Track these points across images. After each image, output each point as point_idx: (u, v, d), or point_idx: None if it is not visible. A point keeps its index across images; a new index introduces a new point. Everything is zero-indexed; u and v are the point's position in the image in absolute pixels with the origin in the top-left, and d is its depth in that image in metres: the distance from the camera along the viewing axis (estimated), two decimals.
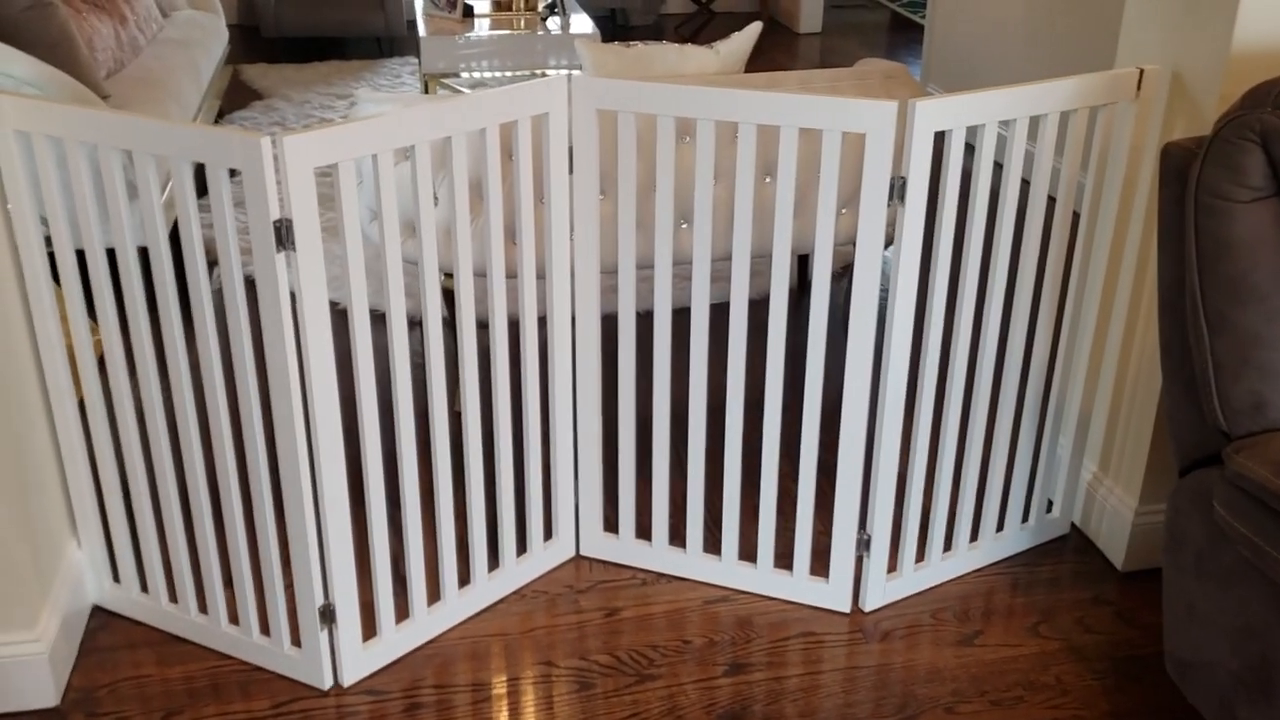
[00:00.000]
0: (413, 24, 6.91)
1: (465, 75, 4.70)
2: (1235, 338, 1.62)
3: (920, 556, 2.29)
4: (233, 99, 5.34)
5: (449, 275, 2.87)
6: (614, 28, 7.00)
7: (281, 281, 1.67)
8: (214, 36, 4.77)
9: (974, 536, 2.36)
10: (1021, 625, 2.17)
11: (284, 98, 5.33)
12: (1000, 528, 2.37)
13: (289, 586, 2.20)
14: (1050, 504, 2.42)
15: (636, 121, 2.57)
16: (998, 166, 4.51)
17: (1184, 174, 1.74)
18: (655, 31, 6.95)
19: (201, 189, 4.08)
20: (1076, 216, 3.89)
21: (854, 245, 1.99)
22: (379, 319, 3.19)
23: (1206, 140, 1.69)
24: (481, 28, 4.73)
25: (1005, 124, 3.74)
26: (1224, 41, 1.93)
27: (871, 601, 2.19)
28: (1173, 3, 2.06)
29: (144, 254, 3.45)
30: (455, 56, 4.64)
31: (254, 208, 1.62)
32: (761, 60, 6.34)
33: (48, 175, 1.80)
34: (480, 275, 2.90)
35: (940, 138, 2.33)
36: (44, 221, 2.58)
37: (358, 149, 1.68)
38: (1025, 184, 4.27)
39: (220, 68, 4.87)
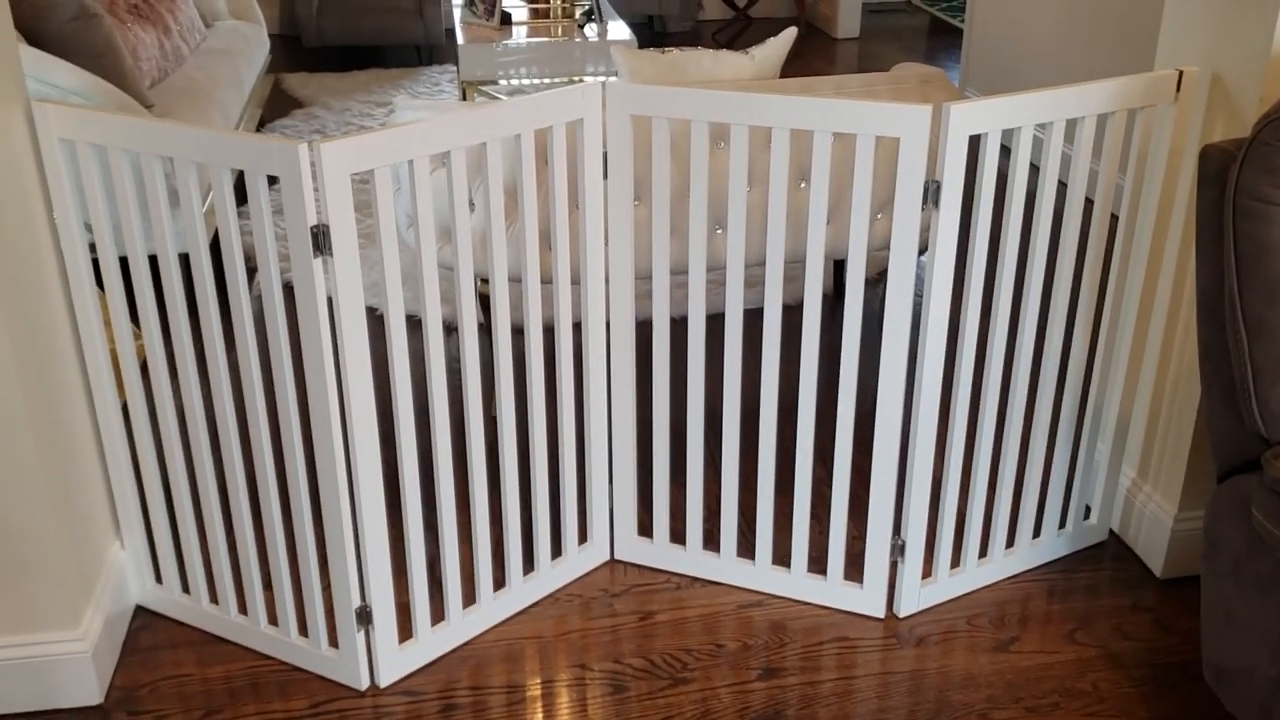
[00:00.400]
0: (451, 32, 6.97)
1: (503, 82, 4.73)
2: (1274, 342, 1.60)
3: (956, 562, 2.28)
4: (274, 107, 5.41)
5: (485, 281, 2.89)
6: (651, 34, 7.01)
7: (319, 286, 1.69)
8: (256, 46, 4.83)
9: (1010, 542, 2.35)
10: (1058, 632, 2.15)
11: (324, 106, 5.39)
12: (1037, 534, 2.35)
13: (327, 588, 2.22)
14: (1088, 510, 2.40)
15: (671, 127, 2.58)
16: (1035, 169, 4.48)
17: (1222, 176, 1.72)
18: (692, 38, 6.96)
19: (242, 198, 4.14)
20: (1115, 219, 3.86)
21: (890, 250, 1.98)
22: (417, 324, 3.22)
23: (1245, 142, 1.67)
24: (519, 35, 4.76)
25: (1042, 127, 3.75)
26: (1264, 43, 1.91)
27: (906, 607, 2.18)
28: (1212, 5, 2.04)
29: (186, 260, 3.51)
30: (493, 64, 4.68)
31: (292, 213, 1.65)
32: (799, 65, 6.34)
33: (92, 183, 1.83)
34: (516, 281, 2.92)
35: (976, 141, 2.33)
36: (88, 228, 2.63)
37: (394, 155, 1.70)
38: (1063, 187, 4.24)
39: (262, 77, 4.93)
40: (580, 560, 2.29)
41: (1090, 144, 1.99)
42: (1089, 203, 3.99)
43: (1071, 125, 3.96)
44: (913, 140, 1.82)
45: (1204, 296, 1.77)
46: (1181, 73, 2.01)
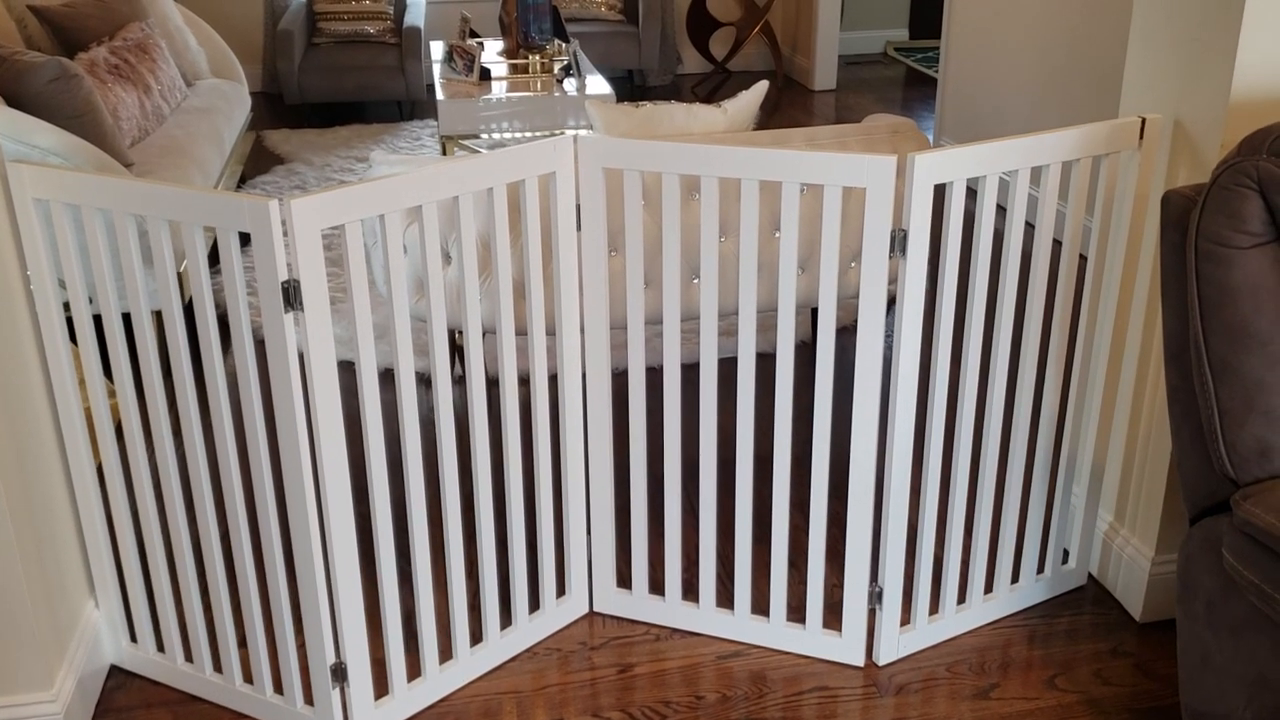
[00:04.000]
0: (432, 88, 7.03)
1: (485, 136, 4.77)
2: (1239, 384, 1.62)
3: (934, 609, 2.28)
4: (255, 164, 5.44)
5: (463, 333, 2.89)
6: (631, 88, 7.09)
7: (290, 342, 1.69)
8: (237, 104, 4.87)
9: (989, 588, 2.35)
10: (1039, 678, 2.14)
11: (305, 162, 5.43)
12: (1015, 579, 2.35)
13: (301, 645, 2.20)
14: (1066, 555, 2.40)
15: (644, 179, 2.60)
16: (1002, 211, 4.52)
17: (1184, 221, 1.75)
18: (672, 91, 7.03)
19: (216, 257, 4.15)
20: (1084, 260, 3.89)
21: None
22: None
23: (1205, 187, 1.70)
24: (499, 90, 4.81)
25: (1009, 174, 3.78)
26: (1223, 90, 1.95)
27: (885, 655, 2.17)
28: (1173, 54, 2.08)
29: (161, 318, 3.51)
30: (473, 119, 4.72)
31: (263, 269, 1.65)
32: (779, 118, 6.40)
33: (66, 243, 1.84)
34: (493, 332, 2.93)
35: (942, 191, 2.35)
36: (62, 285, 2.63)
37: (365, 210, 1.71)
38: (1030, 230, 4.28)
39: (243, 134, 4.96)
40: (558, 613, 2.28)
41: (1056, 191, 2.02)
42: (1057, 245, 4.02)
43: (1038, 173, 4.01)
44: (878, 190, 1.84)
45: (1170, 340, 1.79)
46: (1144, 120, 2.04)
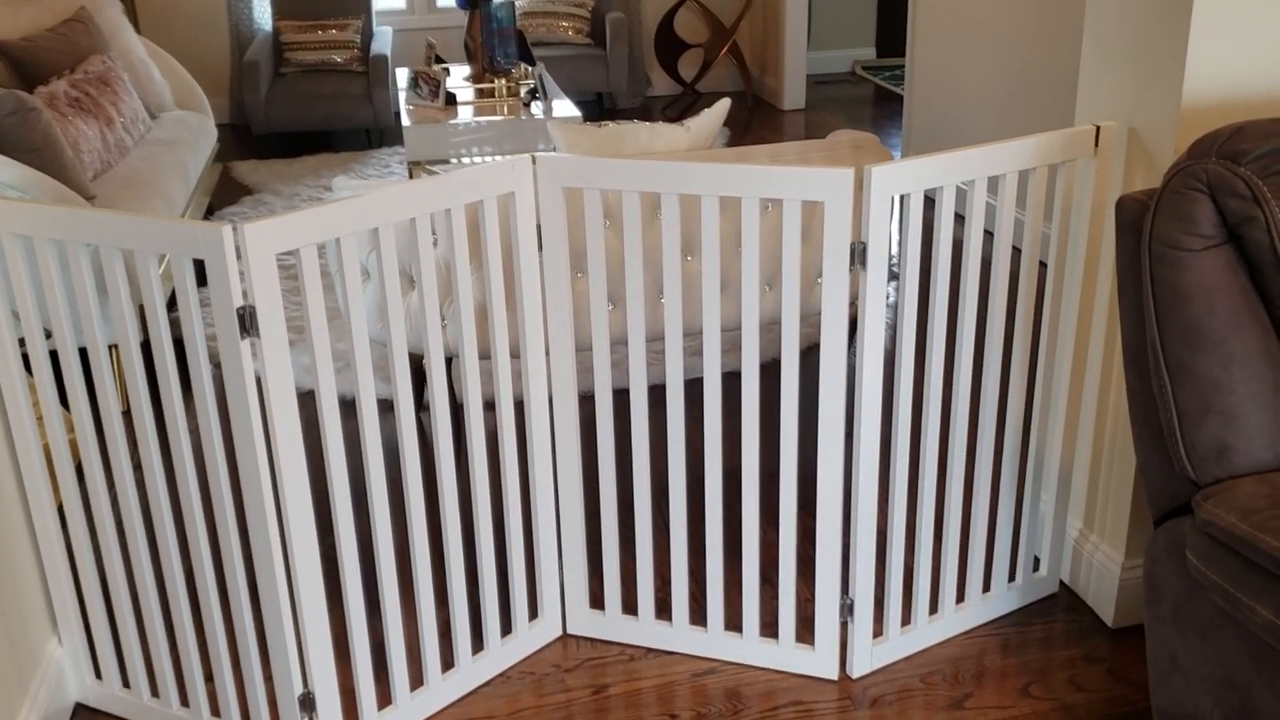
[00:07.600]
0: (400, 115, 7.02)
1: (453, 161, 4.77)
2: (1196, 385, 1.62)
3: (906, 620, 2.27)
4: (223, 195, 5.42)
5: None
6: (601, 111, 7.10)
7: (247, 368, 1.68)
8: (202, 136, 4.85)
9: (960, 598, 2.34)
10: (1013, 686, 2.14)
11: (274, 192, 5.41)
12: (987, 588, 2.35)
13: (268, 677, 2.18)
14: (1037, 562, 2.40)
15: (605, 198, 2.60)
16: (960, 220, 4.55)
17: (1138, 226, 1.76)
18: (642, 113, 7.05)
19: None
20: (1044, 267, 3.91)
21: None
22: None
23: (1157, 192, 1.71)
24: (465, 115, 4.81)
25: (967, 184, 3.76)
26: (1174, 97, 1.97)
27: (859, 667, 2.16)
28: (1125, 62, 2.10)
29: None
30: (440, 144, 4.72)
31: (217, 296, 1.64)
32: (749, 138, 6.43)
33: (19, 275, 1.82)
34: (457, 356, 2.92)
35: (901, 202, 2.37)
36: (15, 316, 2.60)
37: (320, 234, 1.70)
38: (990, 239, 4.30)
39: (209, 166, 4.94)
40: (532, 636, 2.26)
41: (1013, 200, 2.03)
42: (1017, 252, 4.04)
43: (996, 182, 4.04)
44: (836, 203, 1.85)
45: (1129, 344, 1.80)
46: (1099, 128, 2.06)
